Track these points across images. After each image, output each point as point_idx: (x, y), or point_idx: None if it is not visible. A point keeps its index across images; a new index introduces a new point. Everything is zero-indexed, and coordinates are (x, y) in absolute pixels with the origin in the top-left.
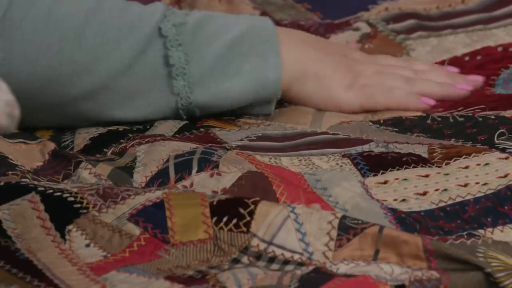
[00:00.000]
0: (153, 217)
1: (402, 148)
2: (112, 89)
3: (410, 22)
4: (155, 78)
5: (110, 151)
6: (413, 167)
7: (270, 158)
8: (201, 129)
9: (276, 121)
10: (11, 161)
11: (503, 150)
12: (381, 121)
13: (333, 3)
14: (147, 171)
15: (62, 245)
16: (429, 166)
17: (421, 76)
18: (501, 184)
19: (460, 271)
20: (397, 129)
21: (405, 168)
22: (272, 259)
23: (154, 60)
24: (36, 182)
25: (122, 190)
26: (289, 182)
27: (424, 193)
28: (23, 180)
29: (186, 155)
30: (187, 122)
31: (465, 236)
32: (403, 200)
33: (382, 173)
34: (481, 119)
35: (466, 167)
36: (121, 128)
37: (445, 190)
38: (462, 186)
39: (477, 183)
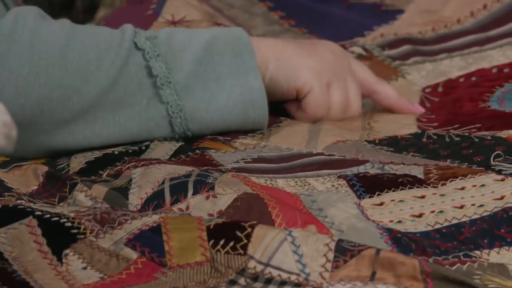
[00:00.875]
0: (150, 242)
1: (398, 169)
2: (102, 106)
3: (406, 47)
4: (142, 90)
5: (106, 173)
6: (409, 188)
7: (266, 180)
8: (197, 151)
9: (271, 141)
10: (7, 184)
11: (499, 172)
12: (377, 141)
13: (330, 28)
14: (142, 193)
15: (58, 267)
16: (424, 187)
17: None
18: (497, 206)
19: None
20: (392, 149)
21: (401, 189)
22: (269, 280)
23: (137, 72)
24: (33, 205)
25: (119, 215)
26: (285, 203)
27: (420, 215)
28: (20, 203)
29: (182, 177)
30: (182, 144)
31: (461, 257)
32: (399, 221)
33: (378, 195)
34: (477, 139)
35: (462, 188)
36: (117, 151)
37: (441, 211)
38: (458, 207)
39: (473, 204)
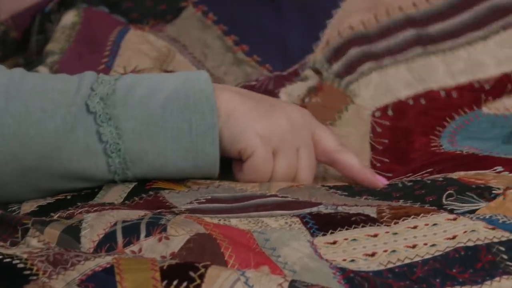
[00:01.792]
0: (103, 282)
1: (351, 209)
2: (45, 170)
3: (351, 53)
4: (90, 155)
5: (57, 215)
6: (362, 226)
7: (220, 220)
8: (150, 192)
9: (225, 181)
10: None
11: (451, 211)
12: (331, 185)
13: (280, 52)
14: (93, 235)
15: None
16: (377, 225)
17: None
18: (449, 246)
19: None
20: (346, 193)
21: (354, 227)
22: None
23: (85, 138)
24: None
25: (72, 256)
26: (238, 243)
27: (373, 254)
28: None
29: (135, 220)
30: (135, 184)
31: None
32: (352, 260)
33: (331, 233)
34: (429, 181)
35: (415, 227)
36: (69, 196)
37: (394, 251)
38: (410, 247)
39: (425, 244)
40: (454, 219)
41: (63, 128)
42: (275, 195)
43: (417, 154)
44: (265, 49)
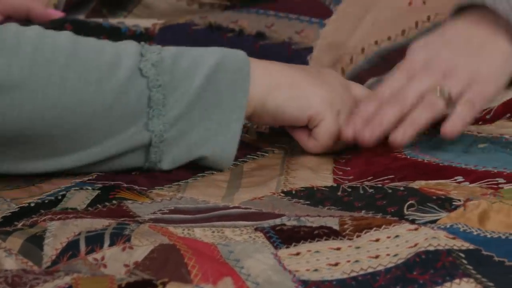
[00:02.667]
0: None
1: (314, 222)
2: (93, 128)
3: None
4: (135, 118)
5: (21, 224)
6: (325, 239)
7: (183, 230)
8: (114, 201)
9: (187, 193)
10: None
11: (412, 221)
12: (293, 192)
13: None
14: (57, 243)
15: None
16: (340, 239)
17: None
18: (410, 253)
19: None
20: (309, 202)
21: (317, 240)
22: None
23: (136, 101)
24: None
25: (31, 278)
26: (202, 253)
27: (336, 264)
28: None
29: (99, 230)
30: (99, 192)
31: None
32: (315, 270)
33: (295, 245)
34: (390, 190)
35: (377, 240)
36: (33, 203)
37: (357, 261)
38: (373, 257)
39: (388, 254)
40: (416, 229)
41: (117, 90)
42: (238, 207)
43: (380, 162)
44: None
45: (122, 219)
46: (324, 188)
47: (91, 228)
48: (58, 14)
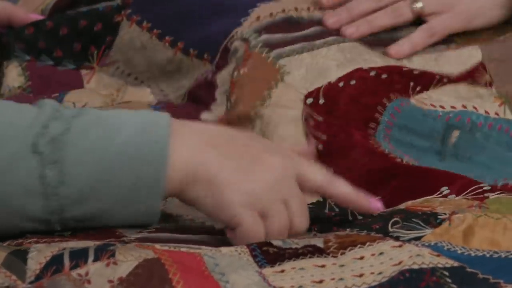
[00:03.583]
0: None
1: (299, 242)
2: None
3: (282, 31)
4: (27, 195)
5: (6, 243)
6: (310, 257)
7: (170, 247)
8: None
9: (174, 210)
10: None
11: (397, 238)
12: None
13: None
14: (41, 257)
15: None
16: (324, 257)
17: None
18: (394, 271)
19: None
20: None
21: (302, 258)
22: None
23: (26, 178)
24: None
25: None
26: (187, 268)
27: (321, 281)
28: None
29: (83, 247)
30: None
31: None
32: (300, 286)
33: (279, 264)
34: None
35: (361, 258)
36: None
37: (341, 279)
38: (357, 276)
39: (372, 273)
40: (400, 246)
41: (6, 163)
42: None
43: (357, 152)
44: (193, 38)
45: (108, 240)
46: (310, 205)
47: (76, 246)
48: (39, 18)
